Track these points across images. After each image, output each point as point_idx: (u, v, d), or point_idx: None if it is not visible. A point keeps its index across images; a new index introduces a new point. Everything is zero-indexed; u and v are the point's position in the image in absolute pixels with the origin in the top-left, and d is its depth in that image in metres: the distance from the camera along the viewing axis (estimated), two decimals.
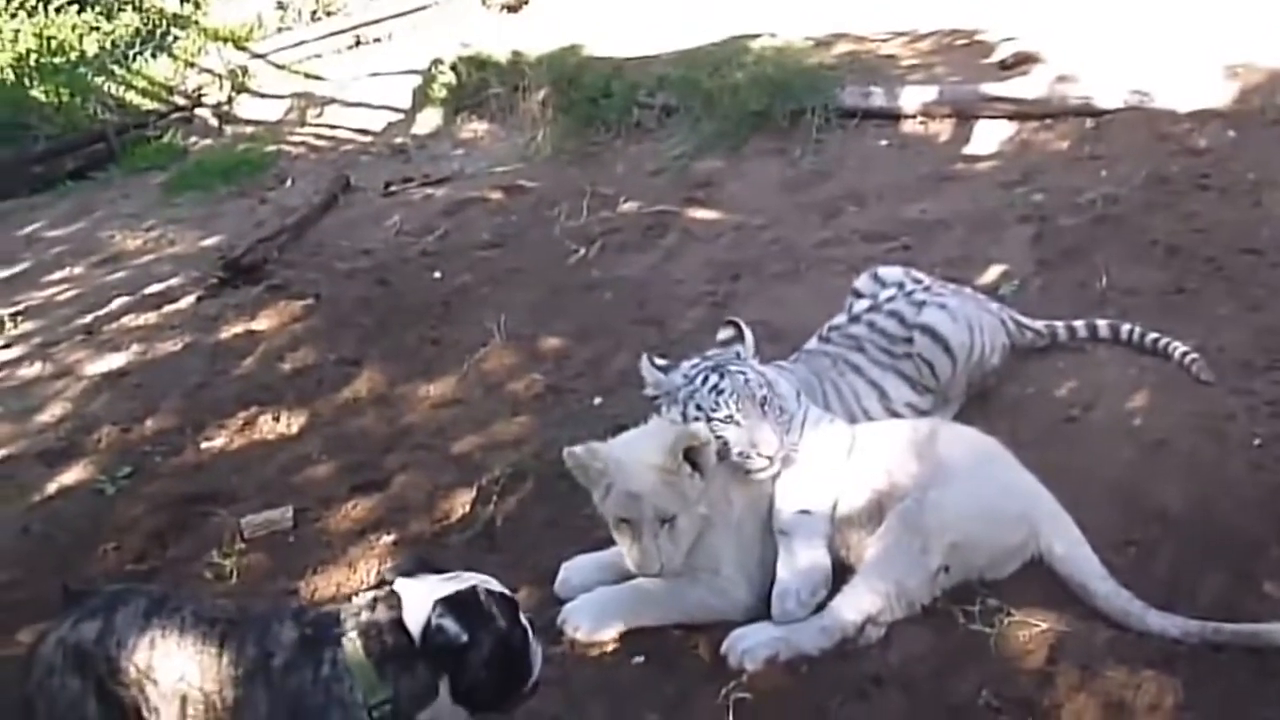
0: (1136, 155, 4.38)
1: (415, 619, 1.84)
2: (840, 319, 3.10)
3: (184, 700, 1.88)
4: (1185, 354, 3.02)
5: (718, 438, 2.45)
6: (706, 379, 2.53)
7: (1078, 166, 4.48)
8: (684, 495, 2.36)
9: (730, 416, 2.46)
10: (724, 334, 2.78)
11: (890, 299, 3.06)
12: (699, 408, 2.50)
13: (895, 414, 2.89)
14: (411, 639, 1.83)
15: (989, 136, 4.97)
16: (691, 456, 2.37)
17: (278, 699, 1.84)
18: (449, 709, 1.87)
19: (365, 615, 1.88)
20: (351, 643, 1.85)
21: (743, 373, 2.54)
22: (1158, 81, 4.70)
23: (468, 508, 3.03)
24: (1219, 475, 2.60)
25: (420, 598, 1.86)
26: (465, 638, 1.82)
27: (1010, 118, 5.00)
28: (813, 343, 3.07)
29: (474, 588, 1.89)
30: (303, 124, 7.52)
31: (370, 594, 1.93)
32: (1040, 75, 5.06)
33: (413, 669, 1.84)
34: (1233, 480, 2.58)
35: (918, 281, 3.14)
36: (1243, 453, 2.65)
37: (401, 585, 1.91)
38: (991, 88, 5.10)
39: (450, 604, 1.84)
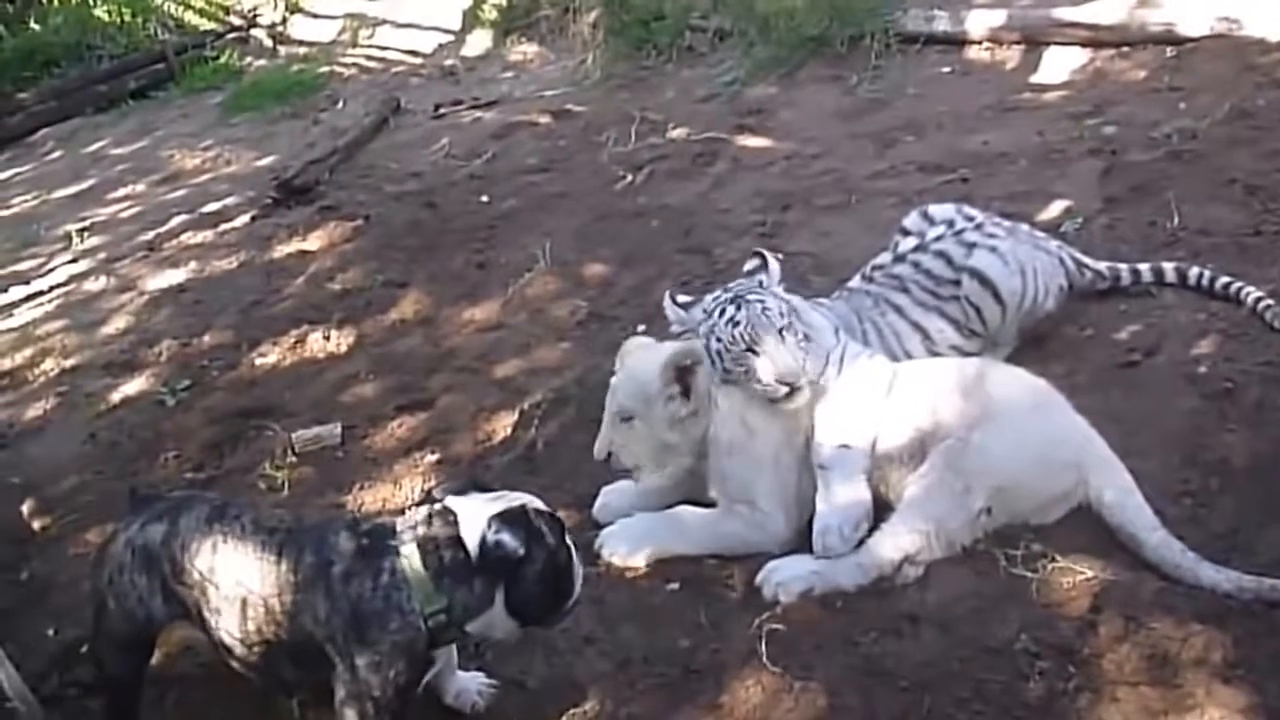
0: (1219, 87, 4.10)
1: (471, 534, 1.88)
2: (884, 257, 2.94)
3: (244, 603, 1.93)
4: (1259, 300, 2.82)
5: (741, 367, 2.41)
6: (724, 311, 2.47)
7: (1154, 98, 4.20)
8: (650, 406, 2.41)
9: (748, 347, 2.40)
10: (750, 264, 2.74)
11: (938, 238, 2.89)
12: (719, 339, 2.45)
13: (939, 356, 2.77)
14: (468, 553, 1.87)
15: (1059, 65, 4.70)
16: (683, 376, 2.40)
17: (337, 604, 1.88)
18: (501, 620, 1.93)
19: (422, 529, 1.91)
20: (409, 554, 1.88)
21: (760, 301, 2.47)
22: (1247, 7, 4.36)
23: (509, 430, 3.03)
24: None
25: (475, 514, 1.90)
26: (521, 552, 1.86)
27: (1084, 45, 4.71)
28: (855, 281, 2.94)
29: (524, 506, 1.93)
30: (354, 45, 7.44)
31: (424, 509, 1.96)
32: None
33: (468, 581, 1.88)
34: None
35: (969, 219, 2.93)
36: None
37: (454, 502, 1.94)
38: (1065, 12, 4.79)
39: (506, 520, 1.88)
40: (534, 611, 1.95)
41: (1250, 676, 1.91)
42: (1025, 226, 3.04)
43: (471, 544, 1.87)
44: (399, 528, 1.93)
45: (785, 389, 2.38)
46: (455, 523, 1.90)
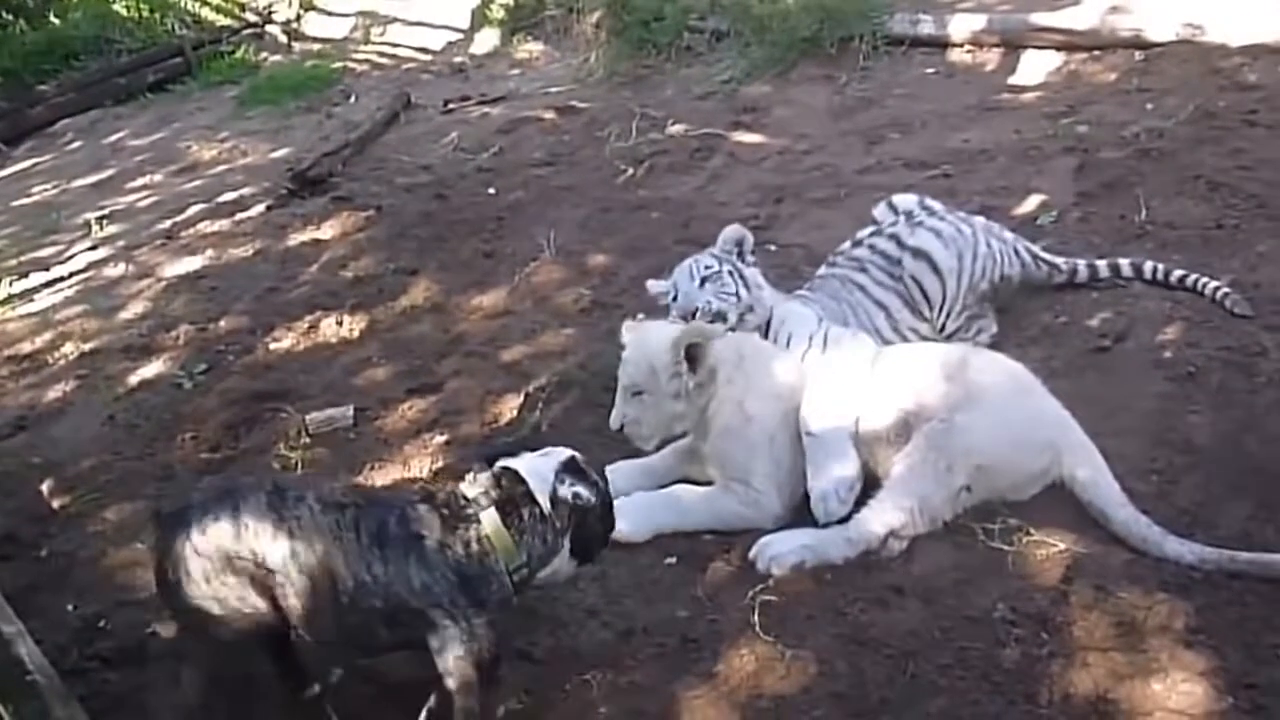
0: (1185, 89, 4.12)
1: (541, 488, 1.92)
2: (846, 244, 3.05)
3: (332, 579, 1.87)
4: (1217, 289, 2.86)
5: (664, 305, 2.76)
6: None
7: (1124, 99, 4.22)
8: (657, 380, 2.44)
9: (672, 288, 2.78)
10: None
11: (893, 224, 2.99)
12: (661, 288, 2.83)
13: (901, 334, 2.85)
14: (541, 508, 1.91)
15: (1036, 67, 4.71)
16: (691, 353, 2.43)
17: (436, 574, 1.87)
18: (565, 564, 1.99)
19: (494, 492, 1.92)
20: (490, 518, 1.90)
21: (700, 259, 2.82)
22: (1211, 14, 4.38)
23: (515, 413, 3.03)
24: (1247, 409, 2.48)
25: (538, 470, 1.94)
26: (591, 499, 1.93)
27: (1059, 48, 4.72)
28: (822, 269, 3.02)
29: (573, 457, 1.98)
30: (366, 42, 7.39)
31: (485, 475, 1.97)
32: (1091, 6, 4.74)
33: (542, 533, 1.92)
34: (1260, 414, 2.45)
35: (927, 209, 3.03)
36: (1273, 388, 2.52)
37: (513, 463, 1.96)
38: (1041, 17, 4.80)
39: (570, 471, 1.94)
40: (593, 550, 2.02)
41: (1211, 642, 1.94)
42: (982, 219, 3.06)
43: (542, 497, 1.91)
44: (470, 494, 1.94)
45: (683, 320, 2.64)
46: (523, 480, 1.92)
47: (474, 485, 1.96)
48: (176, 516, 1.90)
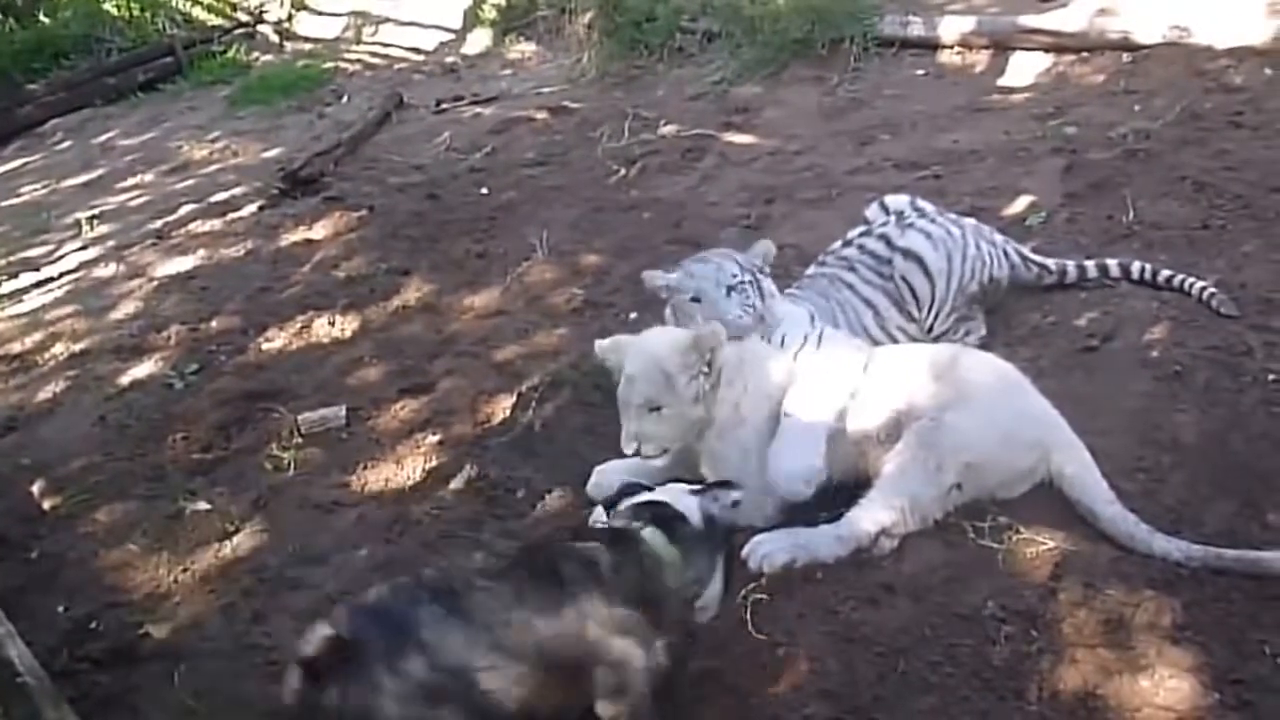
0: (1171, 91, 4.13)
1: (689, 508, 1.93)
2: (836, 244, 3.04)
3: (539, 654, 1.68)
4: (1203, 289, 2.87)
5: (685, 313, 2.63)
6: (686, 266, 2.74)
7: (1112, 101, 4.23)
8: (674, 389, 2.37)
9: (694, 296, 2.64)
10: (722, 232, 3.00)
11: (884, 224, 2.98)
12: (670, 288, 2.69)
13: (889, 334, 2.85)
14: (694, 527, 1.91)
15: (1025, 68, 4.72)
16: (704, 354, 2.40)
17: (616, 601, 1.76)
18: (716, 592, 1.98)
19: (649, 514, 1.90)
20: (652, 533, 1.87)
21: (719, 261, 2.68)
22: (1197, 17, 4.40)
23: (508, 412, 3.02)
24: (1233, 408, 2.49)
25: (680, 497, 1.96)
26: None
27: (1047, 50, 4.73)
28: (812, 268, 3.01)
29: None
30: (358, 42, 7.36)
31: (630, 502, 1.96)
32: (1079, 8, 4.76)
33: (701, 553, 1.92)
34: (1246, 413, 2.47)
35: (918, 210, 3.03)
36: (1258, 388, 2.53)
37: (643, 497, 1.96)
38: (1029, 19, 4.81)
39: (708, 496, 1.99)
40: (730, 581, 1.99)
41: (1198, 639, 1.95)
42: (972, 221, 3.06)
43: (695, 516, 1.90)
44: (623, 521, 1.91)
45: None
46: (666, 505, 1.90)
47: (618, 517, 1.92)
48: (338, 666, 1.57)
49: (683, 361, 2.38)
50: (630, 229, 4.02)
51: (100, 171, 6.15)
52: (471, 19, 6.85)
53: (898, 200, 3.10)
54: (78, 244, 4.99)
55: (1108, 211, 3.43)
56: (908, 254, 2.88)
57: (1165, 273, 2.96)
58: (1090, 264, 3.06)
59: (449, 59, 6.69)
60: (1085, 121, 4.08)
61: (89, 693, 2.24)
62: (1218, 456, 2.36)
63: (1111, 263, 3.05)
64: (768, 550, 2.28)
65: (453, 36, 6.93)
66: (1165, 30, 4.45)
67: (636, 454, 2.42)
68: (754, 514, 2.40)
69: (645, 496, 1.95)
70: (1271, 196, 3.31)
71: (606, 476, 2.62)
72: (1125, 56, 4.51)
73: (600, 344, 2.50)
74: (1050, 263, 3.05)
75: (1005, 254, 2.99)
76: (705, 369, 2.39)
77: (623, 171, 4.52)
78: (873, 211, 3.11)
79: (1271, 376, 2.56)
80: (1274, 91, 3.97)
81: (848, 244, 3.00)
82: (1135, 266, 3.01)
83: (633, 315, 3.42)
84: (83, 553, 2.70)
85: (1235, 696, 1.86)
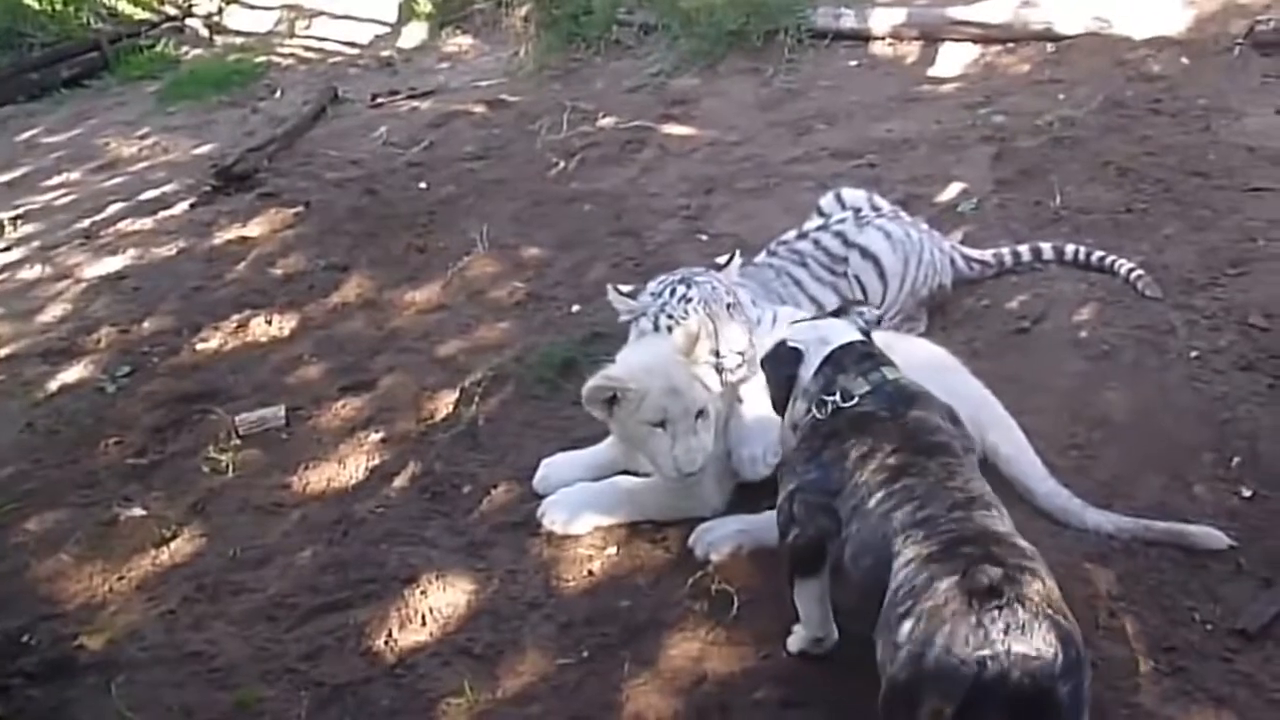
0: (1094, 80, 4.21)
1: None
2: (790, 235, 2.99)
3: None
4: (1130, 270, 2.93)
5: None
6: (674, 290, 2.48)
7: (1038, 90, 4.30)
8: (706, 386, 2.30)
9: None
10: (721, 260, 2.73)
11: (840, 220, 2.95)
12: (670, 316, 2.44)
13: None
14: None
15: (954, 59, 4.77)
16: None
17: None
18: None
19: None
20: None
21: (709, 282, 2.49)
22: (1117, 9, 4.50)
23: (451, 408, 2.95)
24: (1159, 385, 2.54)
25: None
26: None
27: (975, 41, 4.80)
28: (761, 256, 2.96)
29: None
30: (291, 35, 7.12)
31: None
32: (1004, 1, 4.82)
33: None
34: (1171, 390, 2.52)
35: (875, 208, 3.01)
36: (1182, 364, 2.59)
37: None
38: (957, 12, 4.86)
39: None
40: None
41: (1133, 608, 1.99)
42: (925, 225, 3.07)
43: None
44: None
45: (738, 359, 2.36)
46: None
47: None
48: None
49: (704, 356, 2.31)
50: (571, 222, 3.96)
51: (24, 170, 5.85)
52: (407, 12, 6.70)
53: (855, 195, 3.06)
54: (1, 245, 4.73)
55: (1036, 197, 3.49)
56: (865, 253, 2.84)
57: (1098, 254, 3.01)
58: (1024, 248, 3.09)
59: (385, 52, 6.52)
60: (1013, 110, 4.13)
61: (23, 708, 2.15)
62: (1146, 432, 2.41)
63: (1045, 246, 3.09)
64: (714, 538, 2.27)
65: (388, 30, 6.76)
66: (1087, 21, 4.54)
67: (699, 468, 2.25)
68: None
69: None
70: (1191, 180, 3.40)
71: (553, 470, 2.57)
72: (1049, 47, 4.59)
73: (605, 381, 2.26)
74: (989, 256, 3.08)
75: (952, 261, 3.00)
76: (717, 355, 2.34)
77: (562, 164, 4.44)
78: (828, 203, 3.07)
79: (1194, 354, 2.62)
80: (1191, 80, 4.07)
81: (802, 236, 2.94)
82: (1069, 249, 3.05)
83: (575, 307, 3.37)
84: (13, 564, 2.58)
85: (1169, 664, 1.89)
